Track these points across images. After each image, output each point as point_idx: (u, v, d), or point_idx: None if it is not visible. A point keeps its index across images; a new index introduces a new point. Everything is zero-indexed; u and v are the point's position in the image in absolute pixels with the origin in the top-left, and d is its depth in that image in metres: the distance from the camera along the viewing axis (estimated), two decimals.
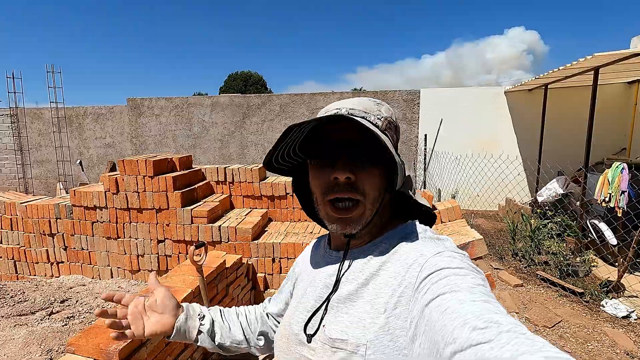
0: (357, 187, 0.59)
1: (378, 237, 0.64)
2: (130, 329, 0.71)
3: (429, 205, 0.67)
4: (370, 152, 0.59)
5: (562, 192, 5.06)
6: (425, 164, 6.55)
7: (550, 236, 4.67)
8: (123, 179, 3.38)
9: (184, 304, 0.79)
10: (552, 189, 5.15)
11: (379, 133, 0.55)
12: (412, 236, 0.62)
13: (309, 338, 0.61)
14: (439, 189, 7.41)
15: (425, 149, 6.63)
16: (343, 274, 0.63)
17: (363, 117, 0.59)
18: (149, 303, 0.75)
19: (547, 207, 5.27)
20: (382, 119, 0.62)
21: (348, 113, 0.60)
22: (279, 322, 0.83)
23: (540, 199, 5.36)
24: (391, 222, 0.67)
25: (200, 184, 3.78)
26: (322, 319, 0.61)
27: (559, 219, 4.78)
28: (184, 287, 2.25)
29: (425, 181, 6.57)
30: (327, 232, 0.75)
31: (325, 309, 0.62)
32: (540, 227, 4.71)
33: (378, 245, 0.63)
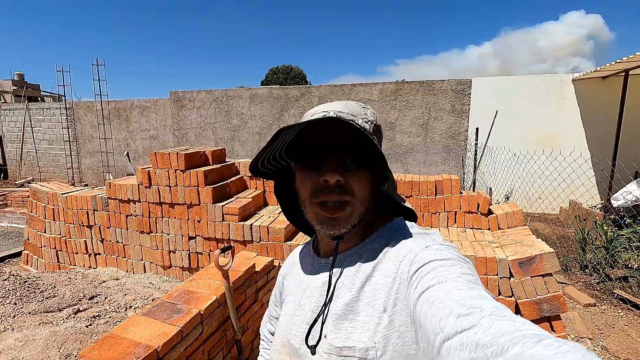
0: (347, 189, 0.59)
1: (367, 238, 0.64)
2: None
3: (410, 206, 0.67)
4: (359, 155, 0.59)
5: None
6: (475, 161, 5.97)
7: (629, 248, 3.99)
8: (155, 172, 3.28)
9: None
10: (632, 193, 4.41)
11: (370, 136, 0.56)
12: (400, 233, 0.62)
13: (313, 349, 0.60)
14: (490, 188, 6.77)
15: (476, 144, 6.03)
16: (337, 280, 0.62)
17: (351, 121, 0.58)
18: None
19: (623, 214, 4.53)
20: (369, 123, 0.62)
21: (336, 116, 0.58)
22: None
23: (615, 204, 4.64)
24: (377, 220, 0.67)
25: (234, 178, 3.61)
26: (322, 329, 0.60)
27: None
28: (208, 294, 2.05)
29: (475, 180, 5.99)
30: (310, 239, 0.78)
31: (324, 318, 0.61)
32: (617, 236, 4.04)
33: (368, 245, 0.63)
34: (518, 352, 0.31)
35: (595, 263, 4.04)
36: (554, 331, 2.62)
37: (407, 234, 0.62)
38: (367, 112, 0.63)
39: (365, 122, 0.61)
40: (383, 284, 0.57)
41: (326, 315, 0.61)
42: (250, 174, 3.73)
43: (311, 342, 0.61)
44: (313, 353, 0.60)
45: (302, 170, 0.63)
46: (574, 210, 5.59)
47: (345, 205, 0.59)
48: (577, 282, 3.86)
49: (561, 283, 3.79)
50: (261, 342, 0.89)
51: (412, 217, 0.69)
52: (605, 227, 4.19)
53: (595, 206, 5.72)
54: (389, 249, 0.61)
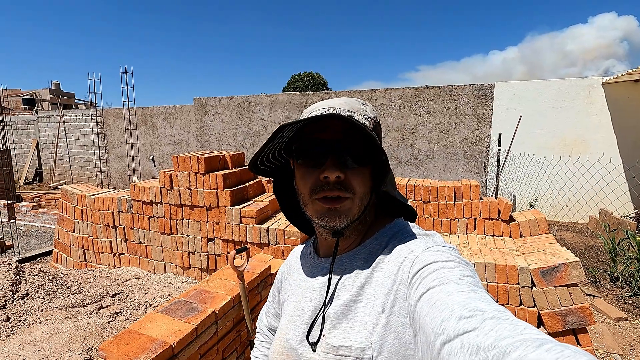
0: (346, 186, 0.59)
1: (368, 239, 0.64)
2: None
3: (409, 204, 0.67)
4: (358, 152, 0.59)
5: None
6: (498, 167, 5.81)
7: None
8: (177, 175, 3.38)
9: None
10: None
11: (371, 133, 0.56)
12: (400, 234, 0.62)
13: (314, 346, 0.60)
14: (514, 195, 6.57)
15: (499, 150, 5.88)
16: (337, 281, 0.62)
17: (351, 117, 0.57)
18: None
19: None
20: (369, 119, 0.62)
21: (336, 112, 0.59)
22: None
23: None
24: (378, 221, 0.67)
25: (252, 182, 3.67)
26: (321, 329, 0.60)
27: None
28: (223, 294, 2.08)
29: (498, 187, 5.82)
30: (309, 239, 0.78)
31: (323, 319, 0.61)
32: None
33: (368, 246, 0.63)
34: (519, 356, 0.31)
35: (627, 275, 3.83)
36: (580, 345, 2.50)
37: (408, 235, 0.62)
38: (367, 108, 0.63)
39: (365, 118, 0.61)
40: (383, 284, 0.57)
41: (325, 316, 0.61)
42: (267, 178, 3.79)
43: (311, 341, 0.61)
44: (314, 350, 0.60)
45: (302, 167, 0.63)
46: (604, 220, 5.33)
47: (345, 199, 0.60)
48: (607, 295, 3.67)
49: (589, 295, 3.62)
50: (257, 334, 0.91)
51: (412, 216, 0.69)
52: (638, 238, 3.97)
53: (627, 215, 5.44)
54: (390, 250, 0.60)
